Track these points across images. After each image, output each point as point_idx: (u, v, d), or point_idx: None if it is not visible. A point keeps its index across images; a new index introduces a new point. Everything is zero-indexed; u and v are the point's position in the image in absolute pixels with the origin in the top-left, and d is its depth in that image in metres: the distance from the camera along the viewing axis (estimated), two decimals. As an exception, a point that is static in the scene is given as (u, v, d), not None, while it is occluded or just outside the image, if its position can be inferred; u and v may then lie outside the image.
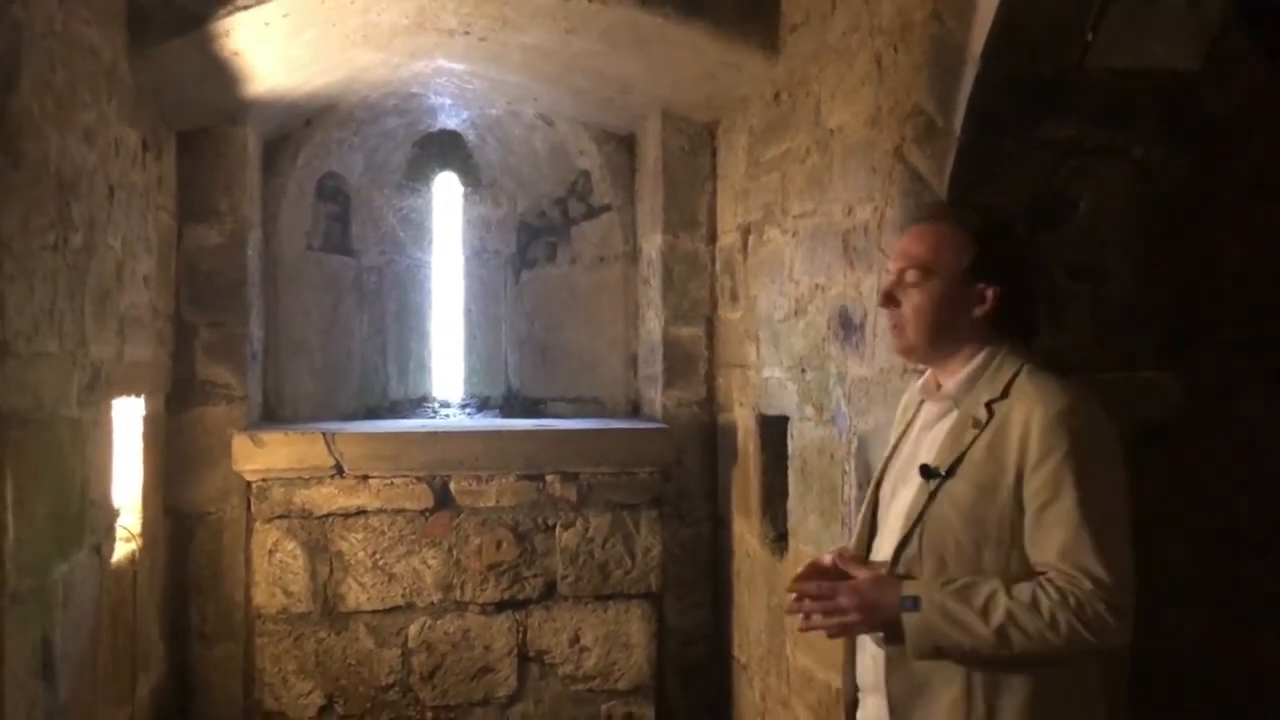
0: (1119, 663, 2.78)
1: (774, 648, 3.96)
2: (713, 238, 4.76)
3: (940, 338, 2.08)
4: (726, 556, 4.62)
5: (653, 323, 4.92)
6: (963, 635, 1.88)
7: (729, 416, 4.59)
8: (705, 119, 4.71)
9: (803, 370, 3.65)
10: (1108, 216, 2.77)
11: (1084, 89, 2.56)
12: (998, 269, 2.07)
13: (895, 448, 2.22)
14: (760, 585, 4.19)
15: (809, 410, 3.60)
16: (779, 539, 3.99)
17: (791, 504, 3.79)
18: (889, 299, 2.13)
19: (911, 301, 2.09)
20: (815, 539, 3.52)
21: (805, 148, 3.62)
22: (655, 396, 4.86)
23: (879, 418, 2.97)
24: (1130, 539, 1.94)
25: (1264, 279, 3.71)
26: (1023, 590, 1.88)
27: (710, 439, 4.75)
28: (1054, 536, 1.89)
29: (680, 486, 4.72)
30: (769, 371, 4.02)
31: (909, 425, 2.21)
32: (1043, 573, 1.90)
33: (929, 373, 2.19)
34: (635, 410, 5.19)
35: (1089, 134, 2.65)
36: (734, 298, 4.50)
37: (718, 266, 4.74)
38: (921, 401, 2.20)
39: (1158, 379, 2.91)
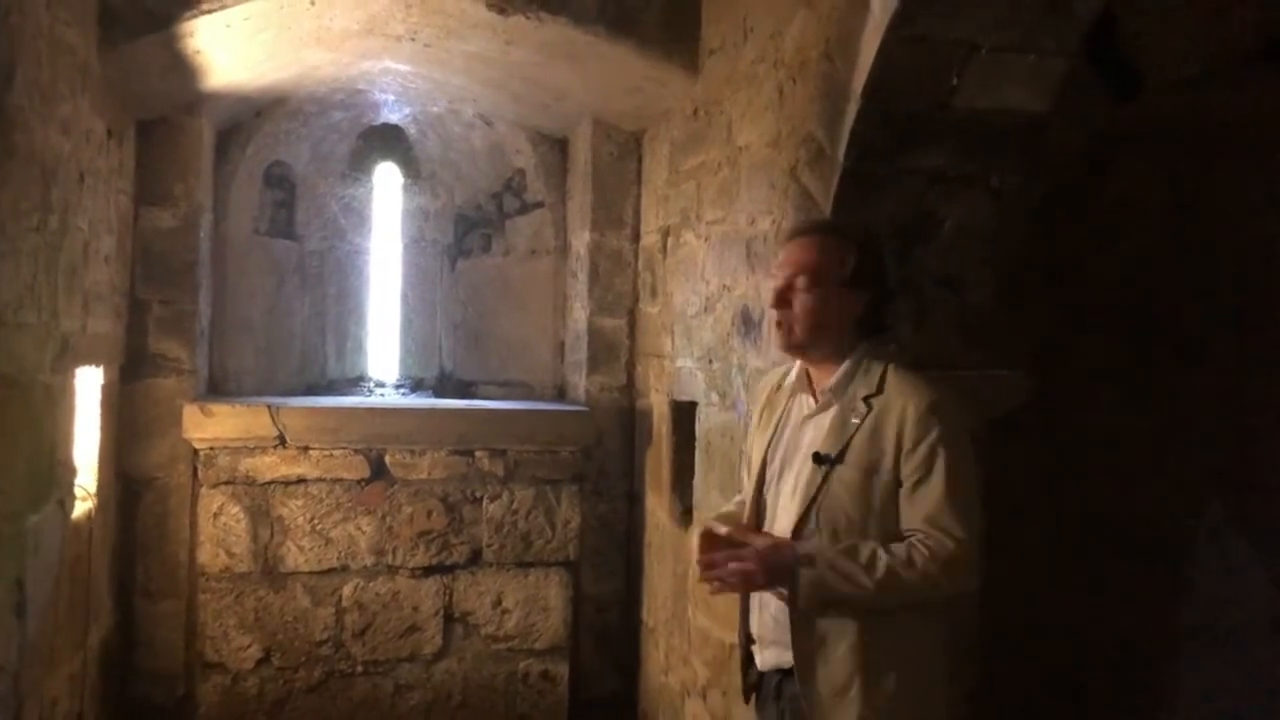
0: (967, 617, 3.23)
1: (678, 611, 4.36)
2: (636, 237, 5.13)
3: (822, 337, 2.42)
4: (639, 530, 5.01)
5: (579, 313, 5.27)
6: (849, 587, 2.25)
7: (646, 402, 4.98)
8: (633, 128, 5.07)
9: (710, 361, 4.03)
10: (969, 234, 3.15)
11: (950, 125, 2.93)
12: (870, 278, 2.45)
13: (775, 435, 2.53)
14: (668, 555, 4.58)
15: (714, 397, 3.99)
16: (685, 513, 4.38)
17: (697, 481, 4.18)
18: (782, 300, 2.43)
19: (801, 303, 2.41)
20: (717, 512, 3.90)
21: (718, 161, 3.99)
22: (580, 382, 5.22)
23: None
24: (979, 505, 2.35)
25: (1118, 290, 4.19)
26: (899, 548, 2.27)
27: (629, 422, 5.11)
28: (925, 505, 2.28)
29: (600, 465, 5.09)
30: (681, 361, 4.41)
31: (785, 415, 2.52)
32: (911, 534, 2.29)
33: (798, 368, 2.53)
34: (561, 394, 5.53)
35: (954, 164, 3.03)
36: (654, 293, 4.88)
37: (640, 264, 5.11)
38: (793, 395, 2.52)
39: (1010, 377, 3.30)
